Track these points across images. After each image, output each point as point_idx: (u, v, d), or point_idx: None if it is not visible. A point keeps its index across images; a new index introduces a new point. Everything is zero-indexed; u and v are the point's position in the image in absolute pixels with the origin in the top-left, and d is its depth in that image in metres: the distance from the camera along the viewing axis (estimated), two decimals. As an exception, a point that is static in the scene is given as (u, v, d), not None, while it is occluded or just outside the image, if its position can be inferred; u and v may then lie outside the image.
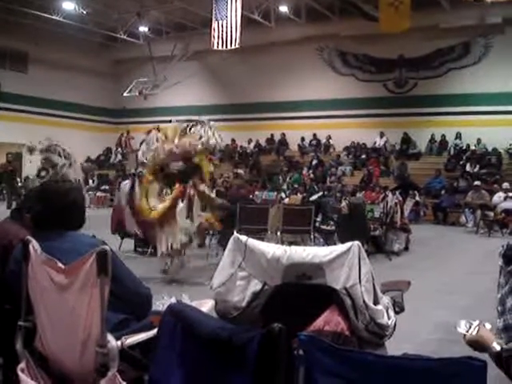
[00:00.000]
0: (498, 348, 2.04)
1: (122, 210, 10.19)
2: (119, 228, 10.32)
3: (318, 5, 22.12)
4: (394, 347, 2.85)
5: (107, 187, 23.64)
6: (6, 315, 2.86)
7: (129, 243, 10.23)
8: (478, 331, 2.17)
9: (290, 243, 10.30)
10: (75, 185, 3.03)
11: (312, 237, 10.51)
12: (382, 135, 23.19)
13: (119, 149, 29.34)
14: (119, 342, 2.45)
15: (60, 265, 2.47)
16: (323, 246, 10.28)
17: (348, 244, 2.70)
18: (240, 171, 19.40)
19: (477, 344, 2.14)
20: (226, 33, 19.36)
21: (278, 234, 10.47)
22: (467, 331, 2.21)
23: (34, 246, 2.59)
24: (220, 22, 19.34)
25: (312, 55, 24.16)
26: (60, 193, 2.84)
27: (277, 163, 24.23)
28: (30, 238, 2.64)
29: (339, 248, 2.73)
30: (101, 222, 10.85)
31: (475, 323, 2.21)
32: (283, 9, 22.67)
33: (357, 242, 2.72)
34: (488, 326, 2.20)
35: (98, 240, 2.65)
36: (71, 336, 2.47)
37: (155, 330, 2.38)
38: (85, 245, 2.57)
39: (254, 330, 1.91)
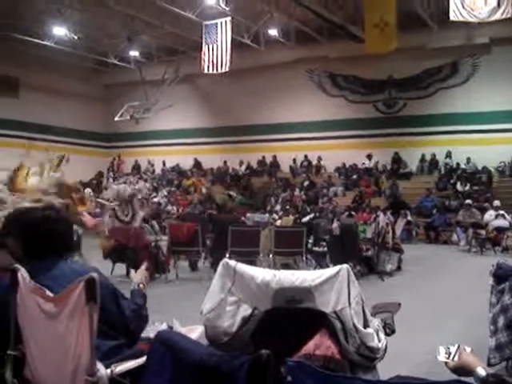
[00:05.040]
0: (483, 373, 2.02)
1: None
2: (111, 252, 10.30)
3: (306, 27, 22.33)
4: (387, 369, 2.83)
5: (99, 210, 23.48)
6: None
7: (121, 268, 10.16)
8: (460, 356, 2.15)
9: (283, 265, 10.29)
10: (54, 211, 2.99)
11: (304, 258, 10.49)
12: (369, 157, 23.28)
13: (111, 173, 29.36)
14: (109, 371, 2.43)
15: (49, 293, 2.46)
16: (315, 267, 10.27)
17: (337, 267, 2.70)
18: (232, 193, 19.42)
19: (461, 370, 2.11)
20: (217, 56, 19.54)
21: (270, 256, 10.43)
22: (448, 358, 2.19)
23: (23, 274, 2.58)
24: (210, 46, 19.53)
25: (302, 77, 24.28)
26: (37, 221, 2.83)
27: (269, 185, 24.25)
28: (18, 266, 2.63)
29: (328, 271, 2.73)
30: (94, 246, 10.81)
31: (454, 348, 2.19)
32: (273, 32, 22.87)
33: (346, 265, 2.72)
34: (468, 349, 2.18)
35: (89, 267, 2.63)
36: (61, 365, 2.46)
37: (145, 358, 2.37)
38: (74, 272, 2.55)
39: (241, 357, 1.91)
